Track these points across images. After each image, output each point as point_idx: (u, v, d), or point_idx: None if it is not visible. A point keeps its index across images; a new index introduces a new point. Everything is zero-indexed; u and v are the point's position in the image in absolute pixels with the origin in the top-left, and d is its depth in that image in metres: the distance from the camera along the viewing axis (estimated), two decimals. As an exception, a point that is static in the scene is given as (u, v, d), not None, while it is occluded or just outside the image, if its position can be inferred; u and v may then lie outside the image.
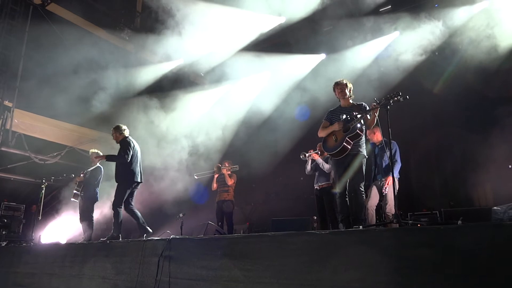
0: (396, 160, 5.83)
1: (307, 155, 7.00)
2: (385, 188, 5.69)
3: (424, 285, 2.51)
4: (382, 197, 5.79)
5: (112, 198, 6.16)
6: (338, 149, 4.72)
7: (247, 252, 3.48)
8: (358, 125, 4.69)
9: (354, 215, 4.65)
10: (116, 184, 6.21)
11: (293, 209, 9.29)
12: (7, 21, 9.23)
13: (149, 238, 4.57)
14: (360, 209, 4.69)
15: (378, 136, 6.05)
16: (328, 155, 6.83)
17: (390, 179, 5.62)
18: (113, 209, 6.08)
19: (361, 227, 4.15)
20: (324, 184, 6.83)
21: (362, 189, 4.73)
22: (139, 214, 6.21)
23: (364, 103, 4.87)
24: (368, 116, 4.65)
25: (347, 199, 4.76)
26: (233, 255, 3.54)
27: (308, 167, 7.06)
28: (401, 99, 4.19)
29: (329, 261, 2.98)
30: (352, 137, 4.72)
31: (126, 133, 6.56)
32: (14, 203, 8.78)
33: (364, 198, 4.91)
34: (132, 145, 6.32)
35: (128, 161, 6.15)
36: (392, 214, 5.49)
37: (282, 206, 10.23)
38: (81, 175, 7.60)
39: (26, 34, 9.37)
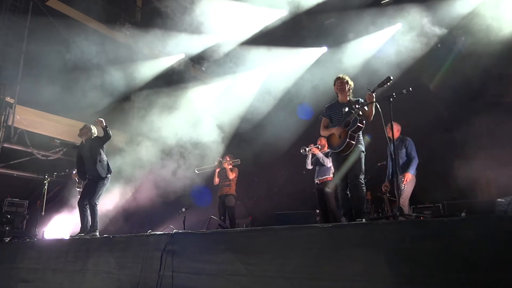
0: (414, 157, 5.84)
1: (307, 149, 6.98)
2: (404, 186, 5.66)
3: (428, 277, 2.50)
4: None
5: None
6: (343, 146, 4.72)
7: (250, 246, 3.48)
8: (358, 118, 4.69)
9: (356, 208, 4.65)
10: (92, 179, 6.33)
11: (296, 203, 9.29)
12: (7, 16, 9.20)
13: (152, 233, 4.57)
14: (361, 202, 4.70)
15: (395, 132, 6.06)
16: (329, 150, 6.87)
17: (408, 175, 5.67)
18: (93, 205, 6.22)
19: (364, 220, 4.15)
20: (324, 178, 6.83)
21: (362, 181, 4.73)
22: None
23: (360, 99, 4.86)
24: (366, 108, 4.65)
25: (348, 192, 4.77)
26: (236, 249, 3.54)
27: (309, 161, 7.06)
28: (389, 83, 4.35)
29: (332, 254, 2.97)
30: (354, 130, 4.72)
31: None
32: (17, 199, 8.80)
33: (365, 190, 4.91)
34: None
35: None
36: (406, 207, 5.55)
37: (284, 200, 10.24)
38: (74, 172, 7.71)
39: (26, 30, 9.34)
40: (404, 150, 5.90)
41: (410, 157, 5.82)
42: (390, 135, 6.04)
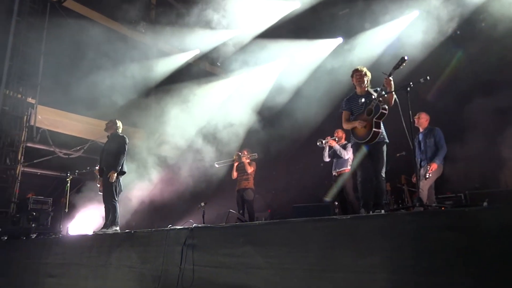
0: (442, 146, 5.89)
1: (323, 142, 6.94)
2: (429, 174, 5.72)
3: (448, 268, 2.47)
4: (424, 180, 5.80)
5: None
6: (370, 136, 4.66)
7: (269, 239, 3.50)
8: (380, 104, 4.63)
9: (375, 201, 4.61)
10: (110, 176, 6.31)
11: (314, 195, 9.26)
12: (26, 19, 9.41)
13: (172, 228, 4.64)
14: (381, 195, 4.66)
15: (423, 122, 6.04)
16: (346, 142, 6.82)
17: (434, 165, 5.73)
18: (113, 201, 6.26)
19: (383, 211, 4.11)
20: (342, 170, 6.80)
21: (384, 176, 4.68)
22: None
23: (378, 88, 4.80)
24: (385, 95, 4.61)
25: (369, 184, 4.72)
26: (255, 242, 3.56)
27: (326, 154, 7.02)
28: (404, 64, 4.32)
29: (351, 246, 2.96)
30: (378, 117, 4.67)
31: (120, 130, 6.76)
32: (42, 197, 9.03)
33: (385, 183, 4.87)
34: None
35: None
36: (425, 191, 5.62)
37: (303, 193, 10.21)
38: (96, 168, 7.89)
39: (45, 31, 9.54)
40: (432, 140, 5.96)
41: (438, 146, 5.82)
42: (419, 124, 6.03)
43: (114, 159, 6.32)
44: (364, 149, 4.75)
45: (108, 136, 6.72)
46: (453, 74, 8.36)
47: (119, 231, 6.06)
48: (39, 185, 10.13)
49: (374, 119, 4.66)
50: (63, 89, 9.15)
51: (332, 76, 9.11)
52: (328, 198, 6.67)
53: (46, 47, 9.51)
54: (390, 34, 9.10)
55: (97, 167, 7.99)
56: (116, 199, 6.30)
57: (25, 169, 9.50)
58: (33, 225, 7.55)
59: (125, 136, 6.60)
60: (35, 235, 7.18)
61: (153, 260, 4.43)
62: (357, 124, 4.79)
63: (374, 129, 4.64)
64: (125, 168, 6.51)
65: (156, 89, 11.05)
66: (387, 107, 4.67)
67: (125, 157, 6.45)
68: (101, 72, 9.46)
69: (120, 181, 6.47)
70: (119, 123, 6.71)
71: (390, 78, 4.50)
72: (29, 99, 9.35)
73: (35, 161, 9.75)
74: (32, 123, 9.25)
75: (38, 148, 9.70)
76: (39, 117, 9.38)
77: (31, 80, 9.35)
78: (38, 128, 9.36)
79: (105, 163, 6.44)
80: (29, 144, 9.36)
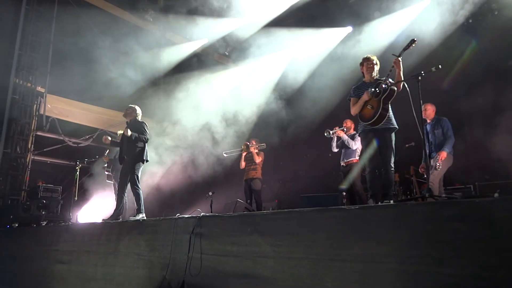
0: (450, 136, 5.84)
1: (331, 132, 6.91)
2: (438, 164, 5.69)
3: (457, 259, 2.45)
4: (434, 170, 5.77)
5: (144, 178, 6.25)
6: (377, 115, 4.63)
7: (276, 228, 3.50)
8: (388, 86, 4.60)
9: (384, 192, 4.59)
10: (128, 162, 6.23)
11: (322, 186, 9.25)
12: (35, 8, 9.43)
13: (180, 216, 4.67)
14: (390, 185, 4.64)
15: (431, 113, 5.99)
16: (355, 133, 6.78)
17: (443, 154, 5.70)
18: (136, 188, 6.16)
19: (391, 202, 4.09)
20: (350, 160, 6.78)
21: (393, 166, 4.65)
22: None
23: (386, 77, 4.75)
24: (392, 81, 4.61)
25: (378, 175, 4.69)
26: (263, 231, 3.57)
27: (334, 144, 7.01)
28: (414, 45, 4.37)
29: (359, 236, 2.95)
30: (386, 97, 4.65)
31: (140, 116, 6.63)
32: (52, 185, 9.14)
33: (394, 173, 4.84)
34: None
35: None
36: (436, 184, 5.58)
37: (310, 183, 10.20)
38: (105, 154, 7.97)
39: (54, 20, 9.54)
40: (440, 130, 5.93)
41: (446, 136, 5.79)
42: (426, 116, 5.97)
43: (135, 147, 6.19)
44: (372, 138, 4.71)
45: (127, 123, 6.51)
46: (466, 64, 8.23)
47: (145, 218, 5.97)
48: (49, 173, 10.26)
49: (382, 99, 4.62)
50: (72, 78, 9.19)
51: (342, 66, 9.02)
52: (344, 186, 6.63)
53: (55, 36, 9.53)
54: (401, 23, 8.96)
55: (105, 154, 8.07)
56: (139, 186, 6.16)
57: (35, 157, 9.61)
58: (43, 212, 7.65)
59: (144, 122, 6.45)
60: (45, 223, 7.28)
61: (161, 248, 4.47)
62: (365, 96, 4.75)
63: (381, 110, 4.60)
64: (147, 156, 6.36)
65: (164, 78, 11.04)
66: (396, 89, 4.63)
67: (147, 144, 6.32)
68: (109, 61, 9.47)
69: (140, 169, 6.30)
70: (138, 110, 6.56)
71: (399, 58, 4.49)
72: (39, 88, 9.41)
73: (45, 150, 9.86)
74: (41, 112, 9.31)
75: (48, 136, 9.79)
76: (49, 106, 9.44)
77: (41, 69, 9.39)
78: (47, 117, 9.43)
79: (126, 151, 6.27)
80: (38, 133, 9.45)
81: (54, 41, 9.50)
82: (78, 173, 8.10)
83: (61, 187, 9.16)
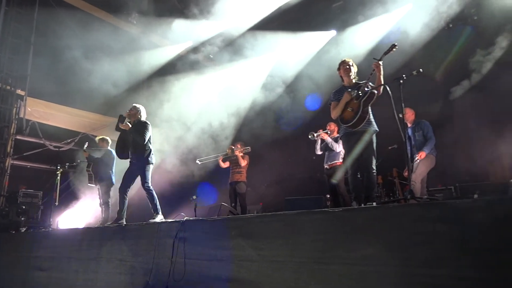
0: (431, 137, 6.02)
1: (315, 135, 6.96)
2: (417, 160, 5.91)
3: (439, 260, 2.48)
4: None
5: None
6: (357, 117, 4.67)
7: (260, 232, 3.49)
8: (369, 89, 4.66)
9: (367, 194, 4.62)
10: (137, 164, 5.92)
11: (306, 189, 9.29)
12: (15, 9, 9.24)
13: (163, 221, 4.61)
14: (372, 187, 4.66)
15: (410, 116, 6.09)
16: (338, 135, 6.83)
17: (422, 153, 5.91)
18: (149, 189, 5.86)
19: (374, 204, 4.11)
20: (333, 163, 6.84)
21: (374, 169, 4.68)
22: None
23: (366, 81, 4.80)
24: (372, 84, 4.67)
25: (360, 177, 4.73)
26: (247, 235, 3.55)
27: (318, 147, 7.07)
28: (394, 49, 4.46)
29: (343, 238, 2.96)
30: (366, 100, 4.70)
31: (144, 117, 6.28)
32: (32, 190, 8.94)
33: (376, 175, 4.88)
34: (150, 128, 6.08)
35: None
36: (418, 183, 5.75)
37: (295, 186, 10.23)
38: (84, 148, 7.76)
39: (34, 22, 9.36)
40: (421, 132, 6.12)
41: (426, 138, 5.96)
42: (406, 120, 6.06)
43: (143, 150, 5.88)
44: (353, 141, 4.75)
45: (129, 123, 6.14)
46: (447, 66, 8.39)
47: (163, 219, 5.61)
48: (30, 178, 10.02)
49: (362, 101, 4.67)
50: (54, 81, 9.01)
51: (326, 69, 9.08)
52: (334, 181, 6.64)
53: (36, 38, 9.34)
54: (384, 27, 9.09)
55: (84, 148, 7.79)
56: (151, 187, 5.87)
57: (15, 162, 9.39)
58: (22, 218, 7.48)
59: (148, 123, 6.09)
60: (24, 229, 7.12)
61: (145, 253, 4.42)
62: (345, 97, 4.80)
63: (361, 113, 4.65)
64: (154, 159, 6.02)
65: (148, 81, 10.95)
66: (376, 92, 4.68)
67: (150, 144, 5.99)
68: (92, 64, 9.33)
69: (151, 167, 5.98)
70: (143, 110, 6.20)
71: (380, 62, 4.55)
72: (19, 91, 9.21)
73: (24, 154, 9.64)
74: (21, 115, 9.11)
75: (28, 140, 9.58)
76: (29, 109, 9.25)
77: (20, 71, 9.20)
78: (27, 121, 9.24)
79: (134, 153, 5.93)
80: (18, 137, 9.24)
81: (35, 42, 9.32)
82: (59, 177, 7.93)
83: (41, 192, 8.97)
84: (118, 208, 5.88)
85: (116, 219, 5.81)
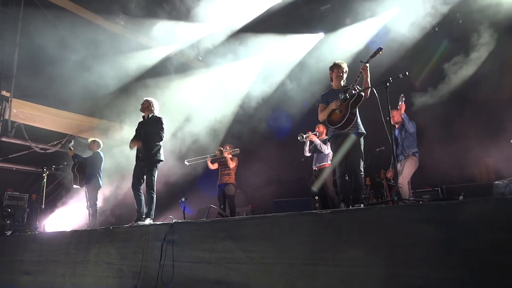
0: (413, 126, 6.09)
1: (304, 136, 7.00)
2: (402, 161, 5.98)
3: (426, 261, 2.51)
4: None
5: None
6: (344, 119, 4.69)
7: (249, 234, 3.50)
8: (356, 91, 4.71)
9: (354, 196, 4.65)
10: (145, 161, 5.73)
11: (295, 190, 9.31)
12: (-1, 9, 9.11)
13: (152, 223, 4.59)
14: (360, 189, 4.68)
15: (398, 118, 6.14)
16: (327, 137, 6.88)
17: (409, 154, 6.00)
18: (151, 192, 5.67)
19: (362, 205, 4.16)
20: (322, 165, 6.88)
21: (362, 170, 4.72)
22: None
23: (353, 83, 4.85)
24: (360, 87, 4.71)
25: (347, 179, 4.76)
26: (236, 237, 3.56)
27: (307, 148, 7.10)
28: (380, 53, 4.55)
29: (331, 240, 2.98)
30: (354, 102, 4.72)
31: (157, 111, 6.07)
32: (17, 193, 8.82)
33: (364, 177, 4.92)
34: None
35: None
36: (405, 186, 5.77)
37: (284, 188, 10.26)
38: (70, 145, 7.67)
39: (20, 22, 9.23)
40: (404, 131, 6.13)
41: (409, 131, 6.02)
42: (394, 122, 6.13)
43: (154, 146, 5.69)
44: (340, 143, 4.78)
45: (143, 117, 6.01)
46: (432, 71, 8.51)
47: (152, 222, 5.42)
48: (15, 181, 9.86)
49: (349, 103, 4.71)
50: (40, 82, 8.88)
51: (314, 71, 9.15)
52: (315, 188, 6.71)
53: (21, 39, 9.21)
54: (371, 30, 9.19)
55: (70, 145, 7.67)
56: (155, 190, 5.69)
57: (0, 164, 9.24)
58: (8, 221, 7.37)
59: (162, 117, 5.90)
60: (10, 232, 7.01)
61: (133, 256, 4.39)
62: (333, 105, 4.83)
63: (348, 114, 4.68)
64: (162, 156, 5.82)
65: (136, 83, 10.88)
66: (363, 94, 4.72)
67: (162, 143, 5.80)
68: (79, 65, 9.23)
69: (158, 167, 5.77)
70: (155, 103, 6.00)
71: (367, 65, 4.61)
72: (4, 92, 9.05)
73: (10, 156, 9.48)
74: (6, 117, 8.97)
75: (13, 142, 9.43)
76: (14, 110, 9.11)
77: (6, 72, 9.06)
78: (13, 122, 9.09)
79: (143, 149, 5.72)
80: (3, 139, 9.09)
81: (20, 43, 9.19)
82: (45, 180, 7.82)
83: (27, 195, 8.85)
84: (136, 207, 5.69)
85: (136, 218, 5.59)
